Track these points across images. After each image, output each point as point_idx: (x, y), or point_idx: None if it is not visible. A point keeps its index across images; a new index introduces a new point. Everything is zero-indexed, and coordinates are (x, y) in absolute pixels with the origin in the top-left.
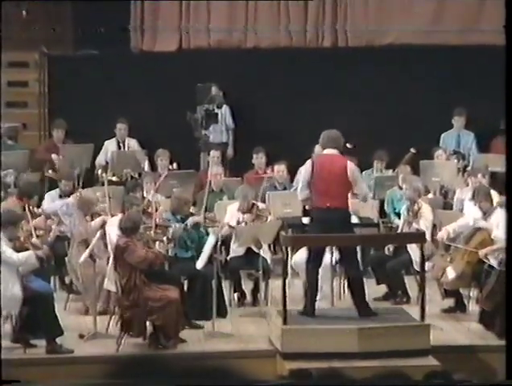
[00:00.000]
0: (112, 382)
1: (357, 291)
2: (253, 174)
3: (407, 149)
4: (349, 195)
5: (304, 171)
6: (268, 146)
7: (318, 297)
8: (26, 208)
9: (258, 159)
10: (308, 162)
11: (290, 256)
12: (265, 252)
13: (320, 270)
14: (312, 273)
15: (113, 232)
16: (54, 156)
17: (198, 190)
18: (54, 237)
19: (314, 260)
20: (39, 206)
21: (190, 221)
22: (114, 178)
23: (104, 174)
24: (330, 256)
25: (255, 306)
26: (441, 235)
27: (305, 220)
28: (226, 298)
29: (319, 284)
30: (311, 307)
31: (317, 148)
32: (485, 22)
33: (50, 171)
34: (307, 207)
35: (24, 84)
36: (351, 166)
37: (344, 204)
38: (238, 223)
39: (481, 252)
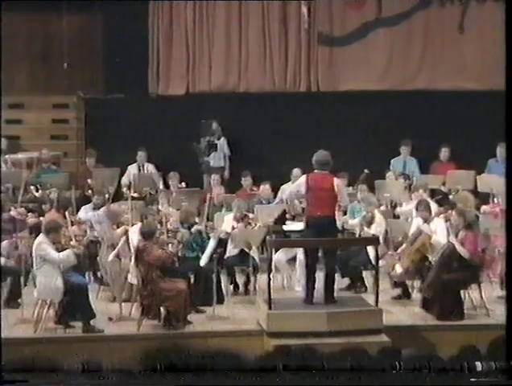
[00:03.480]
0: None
1: (329, 283)
2: (243, 191)
3: (363, 170)
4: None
5: (298, 184)
6: (256, 170)
7: (298, 288)
8: (67, 217)
9: (246, 181)
10: (303, 178)
11: (273, 255)
12: (254, 253)
13: (298, 266)
14: (311, 269)
15: (134, 237)
16: (89, 180)
17: (201, 204)
18: (88, 241)
19: (312, 259)
20: (73, 214)
21: (195, 229)
22: (136, 195)
23: (128, 192)
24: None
25: (247, 295)
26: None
27: (285, 227)
28: (224, 289)
29: (316, 278)
30: (311, 296)
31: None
32: (425, 70)
33: (89, 191)
34: (288, 215)
35: (65, 121)
36: (337, 181)
37: (331, 213)
38: (233, 229)
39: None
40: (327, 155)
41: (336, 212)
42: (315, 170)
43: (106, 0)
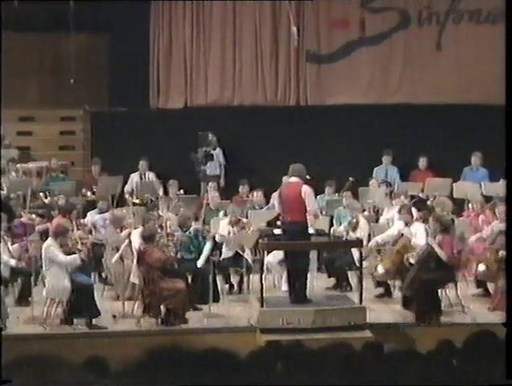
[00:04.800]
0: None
1: (299, 282)
2: (239, 197)
3: (348, 178)
4: (306, 212)
5: (275, 193)
6: (249, 177)
7: (284, 288)
8: (74, 222)
9: (244, 189)
10: (278, 190)
11: (265, 257)
12: (247, 255)
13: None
14: (300, 271)
15: (136, 240)
16: (95, 187)
17: (199, 209)
18: (92, 244)
19: (291, 261)
20: (78, 218)
21: (192, 229)
22: (138, 201)
23: (130, 198)
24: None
25: (241, 294)
26: (370, 244)
27: (276, 231)
28: (219, 288)
29: (308, 278)
30: (303, 294)
31: (284, 178)
32: (405, 85)
33: (94, 196)
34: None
35: (72, 133)
36: (306, 188)
37: (301, 218)
38: (229, 233)
39: (405, 257)
40: (299, 166)
41: (308, 217)
42: (290, 179)
43: (110, 20)
